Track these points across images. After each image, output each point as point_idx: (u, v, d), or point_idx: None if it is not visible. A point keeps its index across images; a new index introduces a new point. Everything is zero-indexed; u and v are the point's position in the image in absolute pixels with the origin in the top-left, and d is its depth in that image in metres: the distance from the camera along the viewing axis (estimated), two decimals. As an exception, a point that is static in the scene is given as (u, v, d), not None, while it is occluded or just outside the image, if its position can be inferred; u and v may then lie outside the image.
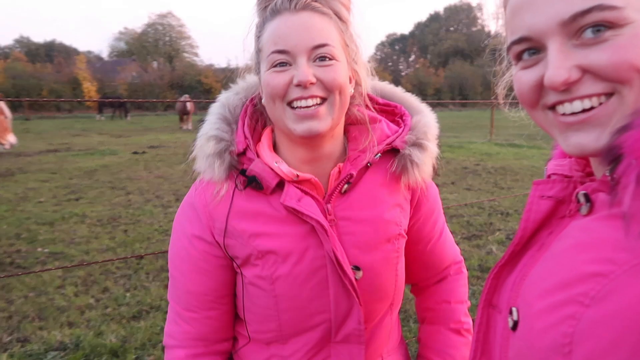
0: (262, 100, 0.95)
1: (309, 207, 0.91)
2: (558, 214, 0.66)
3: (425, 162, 0.99)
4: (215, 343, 1.03)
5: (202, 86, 41.56)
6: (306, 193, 0.93)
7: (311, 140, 0.91)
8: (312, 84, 0.87)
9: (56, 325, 3.28)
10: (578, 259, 0.54)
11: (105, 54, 66.46)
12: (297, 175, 0.93)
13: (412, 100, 1.08)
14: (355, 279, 0.95)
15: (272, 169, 0.92)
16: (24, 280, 4.06)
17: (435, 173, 1.04)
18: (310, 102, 0.87)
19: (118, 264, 4.45)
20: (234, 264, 0.98)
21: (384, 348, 1.08)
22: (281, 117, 0.90)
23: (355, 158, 0.97)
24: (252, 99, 1.01)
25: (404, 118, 1.04)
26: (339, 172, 0.97)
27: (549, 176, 0.71)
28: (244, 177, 0.92)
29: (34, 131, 19.76)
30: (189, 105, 20.74)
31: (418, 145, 0.98)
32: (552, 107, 0.58)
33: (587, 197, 0.60)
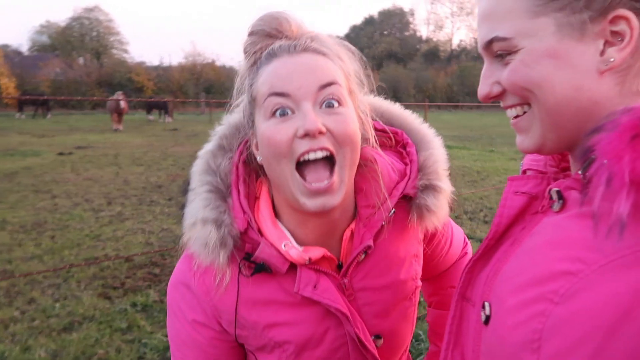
0: (258, 159, 0.83)
1: (327, 293, 0.82)
2: (531, 210, 0.68)
3: (441, 207, 0.89)
4: None
5: (134, 84, 39.92)
6: (320, 272, 0.84)
7: (325, 213, 0.79)
8: (321, 133, 0.74)
9: (-24, 342, 3.02)
10: (549, 257, 0.56)
11: (25, 48, 62.15)
12: (310, 259, 0.82)
13: (417, 124, 0.97)
14: (377, 347, 0.90)
15: (280, 253, 0.81)
16: (-64, 293, 3.71)
17: (451, 210, 0.94)
18: (319, 154, 0.75)
19: (45, 273, 4.16)
20: (247, 347, 0.91)
21: None
22: (288, 185, 0.77)
23: (368, 217, 0.86)
24: (239, 152, 0.87)
25: (407, 149, 0.93)
26: (351, 234, 0.87)
27: (524, 172, 0.74)
28: (249, 262, 0.81)
29: (-57, 130, 18.08)
30: (123, 104, 19.43)
31: (432, 188, 0.88)
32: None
33: (560, 194, 0.62)
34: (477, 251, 0.72)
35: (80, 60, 54.39)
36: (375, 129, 0.92)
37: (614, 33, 0.58)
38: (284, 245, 0.82)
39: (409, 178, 0.88)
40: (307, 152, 0.75)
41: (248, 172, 0.88)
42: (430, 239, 1.00)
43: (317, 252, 0.83)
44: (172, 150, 12.66)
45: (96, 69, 44.82)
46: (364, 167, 0.87)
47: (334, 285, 0.83)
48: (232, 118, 0.92)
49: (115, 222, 5.83)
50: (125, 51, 60.52)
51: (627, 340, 0.47)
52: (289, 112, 0.76)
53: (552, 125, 0.61)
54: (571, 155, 0.67)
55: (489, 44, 0.63)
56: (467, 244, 1.18)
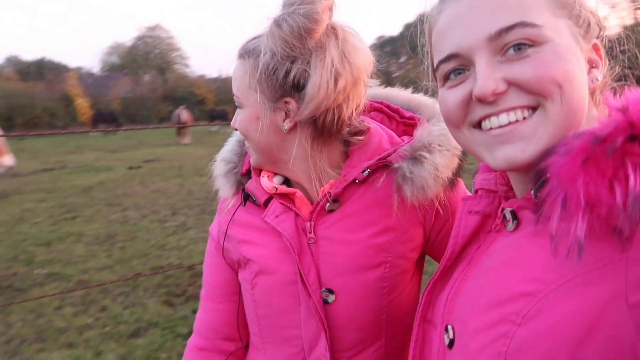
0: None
1: (284, 223, 0.94)
2: (485, 229, 0.69)
3: (423, 177, 0.89)
4: (223, 339, 1.09)
5: (195, 97, 41.61)
6: (289, 209, 0.96)
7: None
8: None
9: (55, 347, 3.30)
10: (508, 278, 0.57)
11: (96, 69, 66.48)
12: (276, 188, 0.97)
13: (434, 108, 1.01)
14: (327, 302, 0.93)
15: (260, 185, 1.00)
16: (22, 303, 4.08)
17: (453, 185, 0.94)
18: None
19: (116, 282, 4.47)
20: (232, 266, 1.07)
21: None
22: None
23: (346, 174, 0.94)
24: None
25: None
26: (330, 188, 0.94)
27: (476, 191, 0.74)
28: (243, 192, 1.03)
29: (28, 150, 19.72)
30: (186, 117, 20.00)
31: (414, 158, 0.91)
32: (478, 125, 0.61)
33: (514, 214, 0.63)
34: (435, 272, 0.72)
35: (146, 77, 57.35)
36: (402, 117, 1.05)
37: (593, 60, 0.61)
38: (262, 177, 1.00)
39: (399, 147, 0.95)
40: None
41: None
42: (432, 226, 0.98)
43: (287, 189, 0.98)
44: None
45: (161, 84, 47.10)
46: (360, 135, 0.97)
47: (295, 222, 0.95)
48: None
49: (180, 231, 6.14)
50: (187, 65, 63.11)
51: (592, 358, 0.48)
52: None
53: (566, 128, 0.56)
54: (517, 174, 0.64)
55: (505, 31, 0.56)
56: None
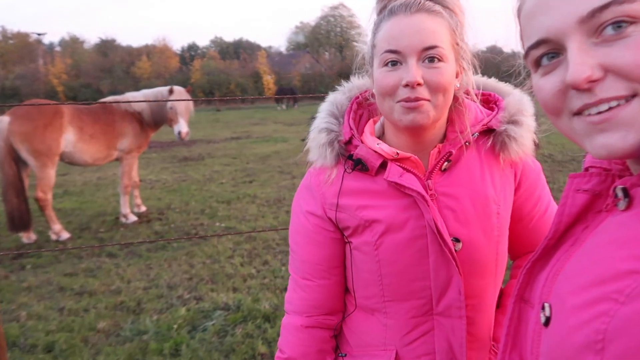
0: (373, 91, 1.04)
1: (410, 180, 0.99)
2: (594, 208, 0.64)
3: (523, 136, 1.03)
4: (326, 314, 1.13)
5: (370, 74, 42.34)
6: (408, 170, 1.02)
7: (415, 129, 0.99)
8: (419, 84, 0.93)
9: (224, 289, 3.83)
10: (614, 256, 0.53)
11: (283, 48, 71.94)
12: (397, 153, 1.01)
13: (504, 86, 1.13)
14: (455, 250, 1.00)
15: (375, 151, 1.03)
16: (203, 249, 4.80)
17: (537, 147, 1.07)
18: (414, 104, 0.95)
19: (278, 241, 4.95)
20: (344, 236, 1.09)
21: (490, 336, 1.11)
22: (389, 111, 0.99)
23: (454, 139, 1.03)
24: (356, 97, 1.14)
25: (497, 103, 1.09)
26: (439, 151, 1.03)
27: (586, 169, 0.68)
28: (351, 160, 1.04)
29: (222, 121, 22.51)
30: None
31: (513, 122, 1.03)
32: (578, 114, 0.56)
33: (626, 192, 0.57)
34: (535, 251, 0.68)
35: (326, 55, 60.05)
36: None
37: None
38: (377, 144, 1.03)
39: (494, 115, 1.05)
40: (406, 100, 0.95)
41: (360, 112, 1.14)
42: (519, 184, 1.10)
43: (406, 153, 1.02)
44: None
45: (338, 62, 48.94)
46: (457, 107, 1.06)
47: (417, 180, 1.00)
48: (355, 80, 1.17)
49: (339, 202, 6.47)
50: (364, 42, 64.42)
51: None
52: (398, 64, 0.95)
53: None
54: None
55: (598, 11, 0.51)
56: None
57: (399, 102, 0.95)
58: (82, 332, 3.22)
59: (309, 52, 57.91)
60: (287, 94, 29.87)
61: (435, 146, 1.04)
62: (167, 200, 7.08)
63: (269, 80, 42.33)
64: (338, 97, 1.14)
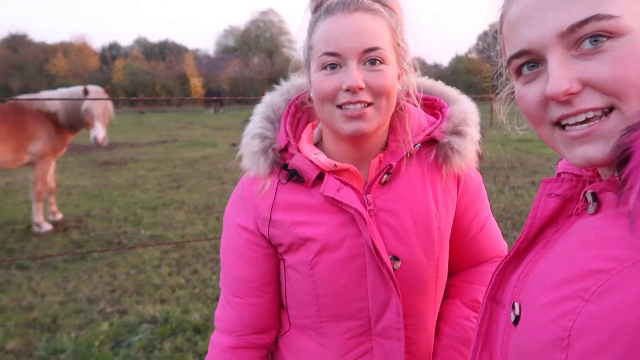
0: (311, 96, 0.99)
1: (348, 196, 0.93)
2: (565, 213, 0.66)
3: (467, 148, 0.99)
4: (257, 332, 1.06)
5: (299, 80, 42.64)
6: (345, 183, 0.96)
7: (357, 138, 0.94)
8: (361, 89, 0.88)
9: (150, 301, 3.62)
10: (582, 256, 0.54)
11: (211, 51, 70.59)
12: (335, 165, 0.96)
13: (450, 91, 1.09)
14: (394, 269, 0.96)
15: (311, 162, 0.96)
16: (127, 258, 4.53)
17: (480, 158, 1.04)
18: (358, 106, 0.90)
19: (208, 249, 4.78)
20: (277, 252, 1.02)
21: (431, 354, 1.07)
22: (329, 118, 0.93)
23: (395, 149, 0.99)
24: (294, 99, 1.06)
25: (442, 110, 1.05)
26: (379, 162, 0.99)
27: (558, 174, 0.71)
28: (286, 171, 0.97)
29: (147, 124, 21.61)
30: None
31: (457, 132, 1.00)
32: (558, 123, 0.59)
33: (595, 196, 0.60)
34: (508, 253, 0.70)
35: (255, 60, 59.74)
36: (416, 97, 1.06)
37: None
38: (314, 154, 0.97)
39: (437, 124, 1.01)
40: (347, 103, 0.90)
41: (298, 116, 1.07)
42: (460, 196, 1.06)
43: (344, 164, 0.97)
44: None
45: (268, 67, 48.84)
46: (398, 112, 1.01)
47: (356, 195, 0.95)
48: (294, 79, 1.09)
49: (270, 207, 6.39)
50: (294, 49, 64.78)
51: None
52: (337, 67, 0.90)
53: None
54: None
55: (577, 26, 0.53)
56: (503, 249, 1.16)
57: (339, 107, 0.91)
58: (-13, 354, 2.90)
59: (238, 56, 57.27)
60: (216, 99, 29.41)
61: (376, 156, 0.99)
62: (86, 207, 6.63)
63: (196, 83, 41.31)
64: (275, 99, 1.06)
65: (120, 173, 9.25)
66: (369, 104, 0.90)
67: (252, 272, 1.04)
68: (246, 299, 1.04)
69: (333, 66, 0.90)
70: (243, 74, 45.78)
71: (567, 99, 0.54)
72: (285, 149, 0.99)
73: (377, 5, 0.91)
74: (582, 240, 0.57)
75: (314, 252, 0.96)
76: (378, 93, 0.90)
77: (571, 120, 0.56)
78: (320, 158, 0.96)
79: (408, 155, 0.99)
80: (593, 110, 0.54)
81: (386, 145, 1.01)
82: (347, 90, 0.88)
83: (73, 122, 5.49)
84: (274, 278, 1.06)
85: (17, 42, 49.03)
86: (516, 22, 0.59)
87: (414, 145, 0.99)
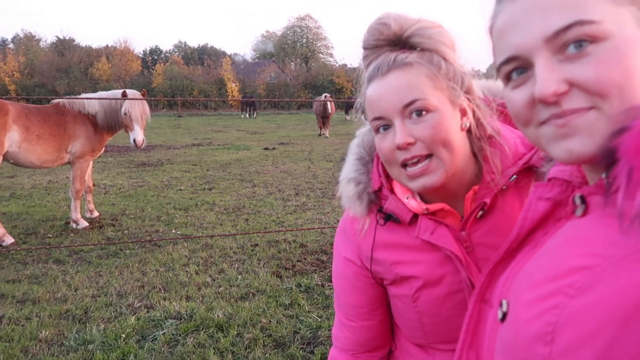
0: None
1: (442, 238, 0.95)
2: (554, 216, 0.68)
3: None
4: (371, 351, 1.15)
5: (334, 86, 42.79)
6: (440, 223, 0.96)
7: (434, 189, 0.93)
8: (410, 144, 0.88)
9: (177, 297, 3.73)
10: (568, 254, 0.56)
11: (248, 57, 71.65)
12: (427, 209, 0.97)
13: None
14: None
15: (404, 204, 0.99)
16: (157, 256, 4.66)
17: None
18: (418, 165, 0.89)
19: (235, 249, 4.87)
20: (385, 283, 1.08)
21: None
22: (398, 177, 0.95)
23: (490, 181, 0.95)
24: None
25: None
26: (474, 194, 0.96)
27: (549, 179, 0.72)
28: (382, 213, 1.01)
29: (183, 127, 22.14)
30: (330, 108, 16.78)
31: None
32: (544, 123, 0.61)
33: (583, 199, 0.61)
34: (497, 254, 0.72)
35: (292, 65, 60.28)
36: (503, 106, 1.00)
37: None
38: (406, 198, 0.99)
39: (536, 150, 0.94)
40: (405, 161, 0.90)
41: None
42: None
43: (436, 206, 0.97)
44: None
45: (303, 72, 49.16)
46: (492, 138, 0.97)
47: (450, 234, 0.95)
48: None
49: (299, 211, 6.45)
50: (330, 55, 65.09)
51: None
52: (389, 127, 0.91)
53: None
54: (586, 167, 0.63)
55: (562, 31, 0.55)
56: None
57: (404, 167, 0.91)
58: (22, 341, 3.05)
59: (275, 61, 57.94)
60: (249, 103, 29.78)
61: (471, 188, 0.97)
62: (122, 206, 6.87)
63: (233, 87, 41.99)
64: (367, 136, 1.08)
65: (156, 174, 9.51)
66: (428, 156, 0.89)
67: (361, 299, 1.11)
68: (359, 322, 1.12)
69: (385, 127, 0.91)
70: (279, 79, 46.27)
71: (555, 99, 0.56)
72: (379, 190, 1.02)
73: (410, 57, 0.90)
74: (568, 239, 0.58)
75: (415, 288, 1.00)
76: (431, 142, 0.88)
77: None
78: (412, 203, 0.98)
79: (504, 187, 0.95)
80: (583, 110, 0.56)
81: (480, 174, 0.98)
82: (399, 149, 0.89)
83: (110, 124, 5.70)
84: (383, 302, 1.12)
85: (64, 45, 51.21)
86: (504, 30, 0.62)
87: (510, 178, 0.95)
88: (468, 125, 0.94)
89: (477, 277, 0.93)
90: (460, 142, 0.92)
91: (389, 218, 1.00)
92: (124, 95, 5.51)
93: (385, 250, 1.01)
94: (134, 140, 5.71)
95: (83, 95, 5.75)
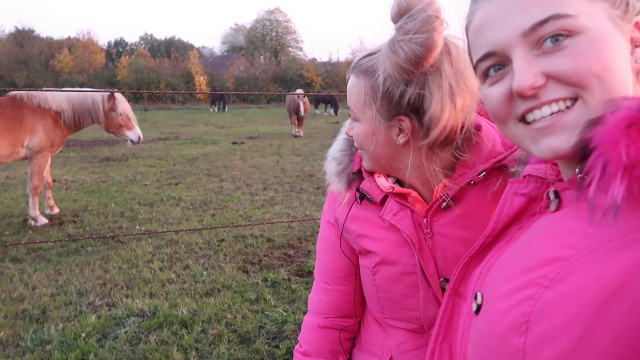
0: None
1: (403, 221, 1.01)
2: (529, 212, 0.69)
3: None
4: (342, 317, 1.20)
5: (304, 80, 42.66)
6: (405, 206, 1.02)
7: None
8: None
9: (140, 295, 3.65)
10: (542, 246, 0.57)
11: (217, 50, 70.65)
12: (392, 188, 1.02)
13: None
14: (444, 290, 1.00)
15: (377, 186, 1.05)
16: (120, 253, 4.56)
17: None
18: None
19: (201, 245, 4.81)
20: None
21: None
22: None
23: (460, 175, 0.98)
24: None
25: None
26: (444, 187, 0.99)
27: (524, 176, 0.73)
28: (359, 192, 1.09)
29: (150, 121, 21.68)
30: (303, 106, 14.95)
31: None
32: (523, 119, 0.62)
33: (556, 194, 0.63)
34: (472, 248, 0.73)
35: (261, 59, 59.76)
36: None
37: (636, 39, 0.60)
38: (378, 177, 1.05)
39: (513, 150, 0.95)
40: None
41: None
42: None
43: (403, 190, 1.02)
44: (330, 142, 13.28)
45: (273, 66, 48.84)
46: (473, 134, 0.98)
47: (412, 219, 1.01)
48: None
49: (267, 205, 6.41)
50: (300, 49, 64.79)
51: (615, 321, 0.47)
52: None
53: None
54: (566, 162, 0.64)
55: (539, 25, 0.56)
56: None
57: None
58: (-25, 343, 2.94)
59: (244, 54, 57.32)
60: (219, 97, 29.36)
61: (441, 181, 0.99)
62: (84, 202, 6.68)
63: (201, 81, 41.36)
64: None
65: (120, 169, 9.30)
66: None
67: (339, 263, 1.18)
68: (335, 285, 1.19)
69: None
70: (248, 73, 45.81)
71: (533, 92, 0.57)
72: (358, 171, 1.10)
73: None
74: (542, 232, 0.60)
75: (375, 263, 1.07)
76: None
77: (537, 115, 0.59)
78: (380, 181, 1.04)
79: (472, 182, 0.97)
80: (557, 101, 0.57)
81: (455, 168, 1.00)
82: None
83: (78, 122, 5.57)
84: (356, 271, 1.18)
85: (23, 36, 49.31)
86: (481, 27, 0.63)
87: (479, 174, 0.96)
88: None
89: (426, 263, 0.99)
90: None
91: (364, 197, 1.07)
92: (112, 96, 5.51)
93: (355, 222, 1.09)
94: (139, 137, 5.85)
95: (55, 94, 5.57)
